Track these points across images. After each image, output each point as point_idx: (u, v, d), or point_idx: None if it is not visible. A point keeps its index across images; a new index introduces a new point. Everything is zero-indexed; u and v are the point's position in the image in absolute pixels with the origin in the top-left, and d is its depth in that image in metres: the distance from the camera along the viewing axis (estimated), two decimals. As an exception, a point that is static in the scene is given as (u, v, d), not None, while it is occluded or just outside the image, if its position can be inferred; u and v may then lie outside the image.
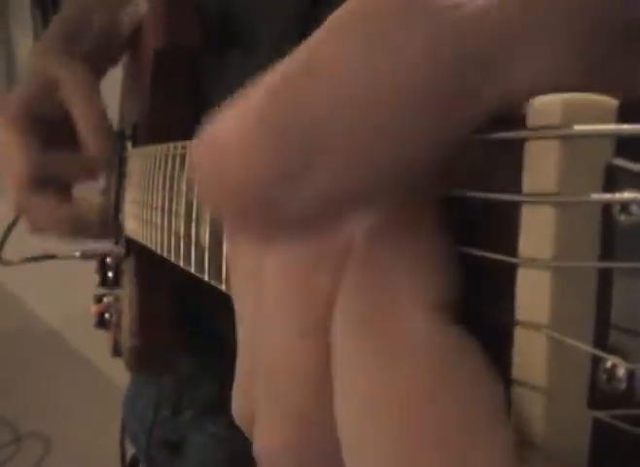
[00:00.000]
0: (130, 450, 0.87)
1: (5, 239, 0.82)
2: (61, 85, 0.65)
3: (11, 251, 0.83)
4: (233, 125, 0.15)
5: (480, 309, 0.16)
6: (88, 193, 0.74)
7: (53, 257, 0.91)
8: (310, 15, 0.60)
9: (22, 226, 0.74)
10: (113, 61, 0.76)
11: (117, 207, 0.74)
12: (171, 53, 0.65)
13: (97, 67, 0.73)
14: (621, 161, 0.14)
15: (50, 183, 0.68)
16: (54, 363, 2.62)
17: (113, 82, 0.80)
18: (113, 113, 0.84)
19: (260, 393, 0.20)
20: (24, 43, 2.98)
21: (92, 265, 0.79)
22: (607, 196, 0.14)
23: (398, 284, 0.16)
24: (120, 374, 0.72)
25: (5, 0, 3.12)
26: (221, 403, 0.74)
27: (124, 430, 0.87)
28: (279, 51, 0.63)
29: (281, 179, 0.14)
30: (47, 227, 0.71)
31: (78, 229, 0.71)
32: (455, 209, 0.17)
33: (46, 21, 2.91)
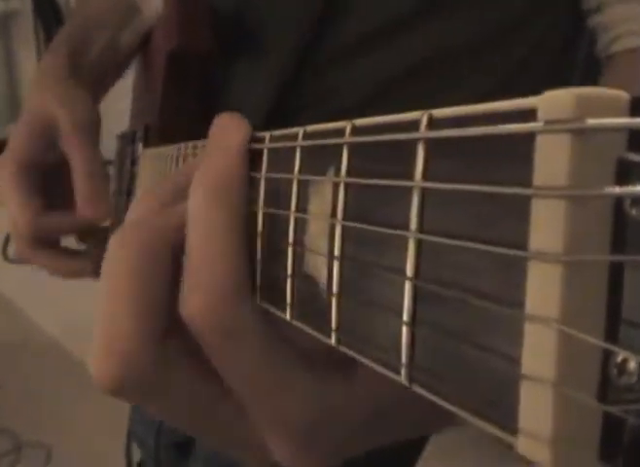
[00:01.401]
0: (136, 458, 0.87)
1: (10, 237, 0.82)
2: (60, 133, 0.65)
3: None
4: None
5: (490, 304, 0.16)
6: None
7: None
8: (323, 27, 0.60)
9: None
10: (119, 72, 0.77)
11: (128, 208, 0.74)
12: (183, 55, 0.65)
13: (102, 82, 0.74)
14: (633, 155, 0.14)
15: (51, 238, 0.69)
16: (55, 373, 2.62)
17: (123, 83, 0.80)
18: (123, 114, 0.84)
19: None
20: (27, 61, 2.99)
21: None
22: (619, 189, 0.14)
23: None
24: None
25: (8, 17, 3.14)
26: None
27: (130, 436, 0.87)
28: (290, 58, 0.64)
29: None
30: (55, 274, 0.72)
31: (86, 274, 0.72)
32: (464, 202, 0.17)
33: (49, 39, 2.93)
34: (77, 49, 0.70)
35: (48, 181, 0.67)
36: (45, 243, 0.68)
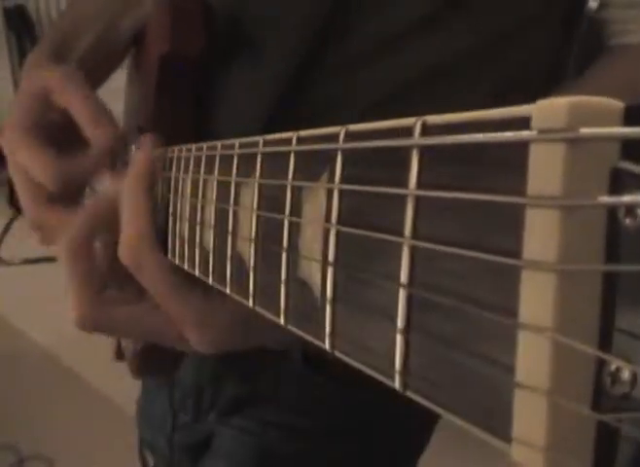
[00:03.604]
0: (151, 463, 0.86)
1: (1, 239, 0.80)
2: (52, 86, 0.64)
3: (9, 252, 0.83)
4: None
5: (485, 311, 0.16)
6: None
7: (52, 259, 0.91)
8: (321, 30, 0.60)
9: (21, 227, 0.71)
10: (108, 71, 0.76)
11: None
12: (176, 59, 0.65)
13: (93, 74, 0.73)
14: (626, 165, 0.14)
15: (65, 194, 0.65)
16: (52, 384, 2.61)
17: (115, 88, 0.80)
18: (117, 116, 0.84)
19: None
20: (1, 72, 2.97)
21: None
22: (612, 199, 0.14)
23: None
24: (118, 391, 0.72)
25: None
26: (251, 399, 0.74)
27: (141, 443, 0.86)
28: (290, 66, 0.63)
29: None
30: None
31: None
32: (458, 210, 0.17)
33: (21, 47, 2.93)
34: (63, 44, 0.70)
35: (56, 145, 0.65)
36: (65, 197, 0.63)
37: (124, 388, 0.70)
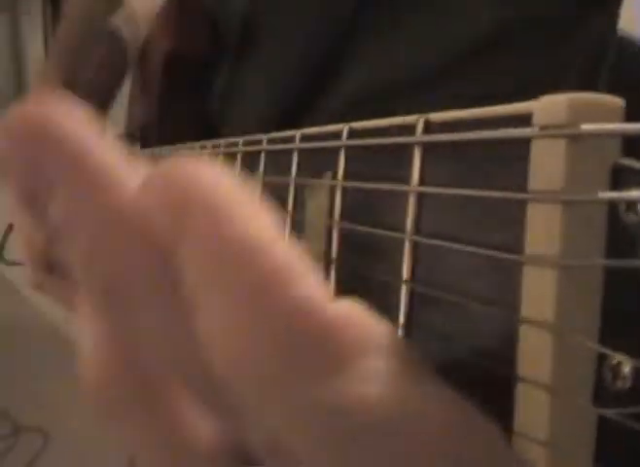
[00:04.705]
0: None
1: (6, 238, 0.80)
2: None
3: (14, 250, 0.83)
4: None
5: (485, 306, 0.16)
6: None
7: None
8: (334, 37, 0.60)
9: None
10: (116, 88, 0.76)
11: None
12: (180, 57, 0.65)
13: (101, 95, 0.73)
14: (627, 161, 0.14)
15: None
16: (55, 356, 2.60)
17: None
18: (120, 115, 0.84)
19: None
20: (34, 40, 2.94)
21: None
22: (613, 194, 0.14)
23: None
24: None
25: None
26: None
27: None
28: (296, 72, 0.62)
29: None
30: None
31: None
32: (460, 206, 0.17)
33: (56, 18, 2.89)
34: (71, 65, 0.70)
35: None
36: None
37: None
